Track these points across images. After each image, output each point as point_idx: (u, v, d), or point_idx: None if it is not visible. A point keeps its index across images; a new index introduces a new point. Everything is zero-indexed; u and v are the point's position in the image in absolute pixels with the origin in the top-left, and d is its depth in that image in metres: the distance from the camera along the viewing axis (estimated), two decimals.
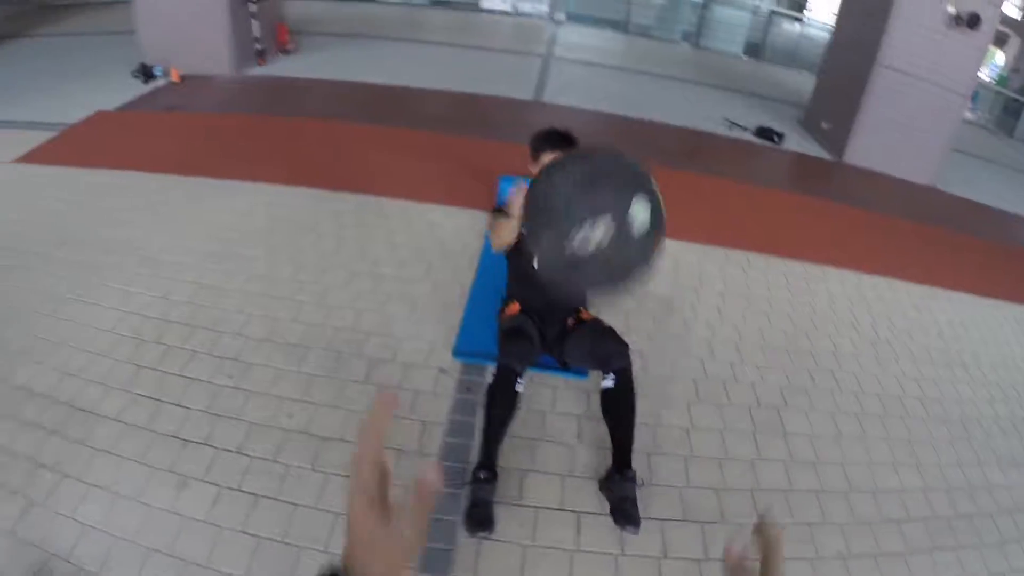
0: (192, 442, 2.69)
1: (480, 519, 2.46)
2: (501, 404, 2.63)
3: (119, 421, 2.76)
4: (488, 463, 2.59)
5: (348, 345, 3.27)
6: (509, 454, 2.77)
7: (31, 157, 5.02)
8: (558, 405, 3.10)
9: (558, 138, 2.90)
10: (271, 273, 3.79)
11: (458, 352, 3.21)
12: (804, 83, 10.17)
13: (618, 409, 2.68)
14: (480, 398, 2.96)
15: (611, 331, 2.78)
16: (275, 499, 2.49)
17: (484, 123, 6.62)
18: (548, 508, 2.60)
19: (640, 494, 2.56)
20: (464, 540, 2.44)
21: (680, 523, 2.63)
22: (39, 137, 5.32)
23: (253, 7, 7.29)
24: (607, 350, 2.69)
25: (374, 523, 0.59)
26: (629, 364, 2.68)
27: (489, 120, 6.78)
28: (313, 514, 2.46)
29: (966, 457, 3.31)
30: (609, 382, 2.67)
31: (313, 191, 4.74)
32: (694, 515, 2.67)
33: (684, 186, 5.65)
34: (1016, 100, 13.43)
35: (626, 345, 2.70)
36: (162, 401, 2.87)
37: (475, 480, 2.55)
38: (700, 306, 4.00)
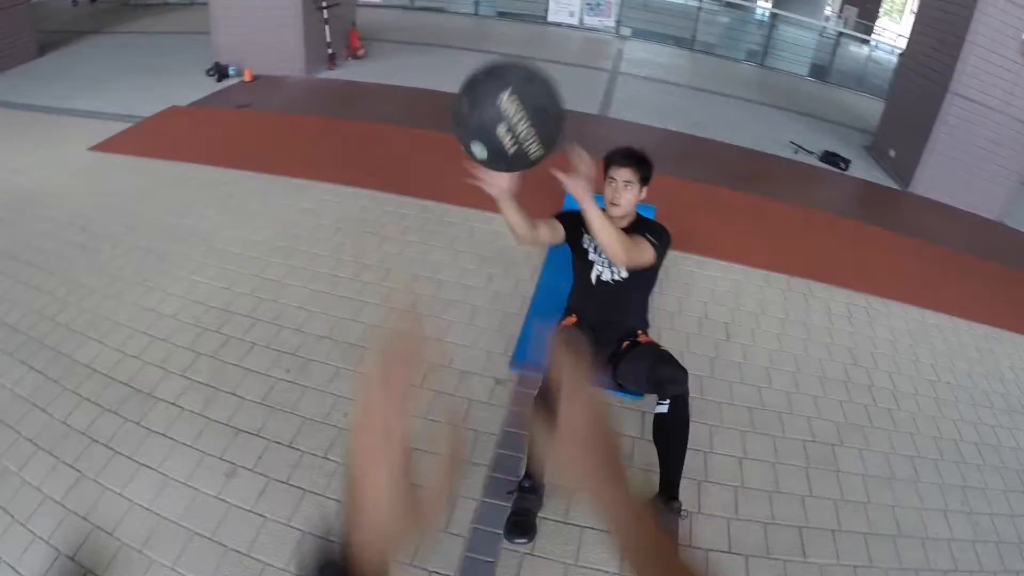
0: (245, 432, 2.71)
1: (519, 526, 2.41)
2: (545, 415, 2.56)
3: (175, 405, 2.81)
4: (533, 474, 2.54)
5: None
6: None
7: (107, 146, 5.23)
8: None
9: (626, 155, 2.82)
10: (334, 272, 3.81)
11: (516, 362, 3.17)
12: (871, 107, 9.84)
13: (669, 437, 2.58)
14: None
15: (670, 356, 2.68)
16: (322, 495, 2.48)
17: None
18: (594, 529, 2.51)
19: (682, 526, 2.49)
20: (506, 553, 2.38)
21: (725, 554, 2.52)
22: (116, 127, 5.56)
23: (325, 13, 7.45)
24: (665, 375, 2.58)
25: (393, 495, 0.54)
26: (686, 392, 2.57)
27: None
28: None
29: (1020, 510, 3.09)
30: (664, 408, 2.56)
31: (379, 194, 4.76)
32: (740, 547, 2.55)
33: (747, 209, 5.52)
34: None
35: (685, 372, 2.59)
36: (218, 389, 2.91)
37: (520, 489, 2.51)
38: (760, 333, 3.84)
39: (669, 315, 3.83)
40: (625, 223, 2.87)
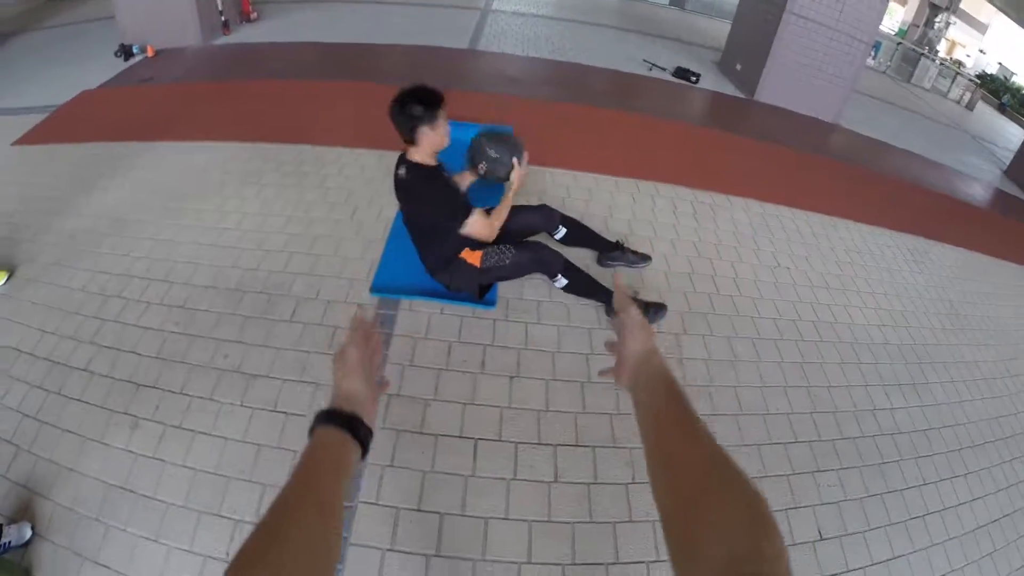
0: (144, 386, 2.52)
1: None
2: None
3: (87, 371, 2.58)
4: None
5: (278, 287, 3.01)
6: (415, 383, 2.57)
7: (25, 139, 4.58)
8: (464, 335, 2.85)
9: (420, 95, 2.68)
10: (219, 224, 3.47)
11: (375, 288, 2.96)
12: (723, 30, 9.24)
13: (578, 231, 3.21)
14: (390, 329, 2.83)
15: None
16: (209, 435, 2.35)
17: (423, 72, 6.00)
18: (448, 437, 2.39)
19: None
20: (368, 469, 2.27)
21: (572, 448, 2.41)
22: (33, 120, 4.85)
23: None
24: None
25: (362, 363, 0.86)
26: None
27: (428, 69, 6.15)
28: (240, 447, 2.31)
29: (855, 380, 3.04)
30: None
31: (262, 145, 4.29)
32: (588, 440, 2.45)
33: (602, 122, 5.24)
34: (913, 50, 13.29)
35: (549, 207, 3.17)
36: (120, 350, 2.68)
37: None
38: (608, 234, 3.55)
39: None
40: None
